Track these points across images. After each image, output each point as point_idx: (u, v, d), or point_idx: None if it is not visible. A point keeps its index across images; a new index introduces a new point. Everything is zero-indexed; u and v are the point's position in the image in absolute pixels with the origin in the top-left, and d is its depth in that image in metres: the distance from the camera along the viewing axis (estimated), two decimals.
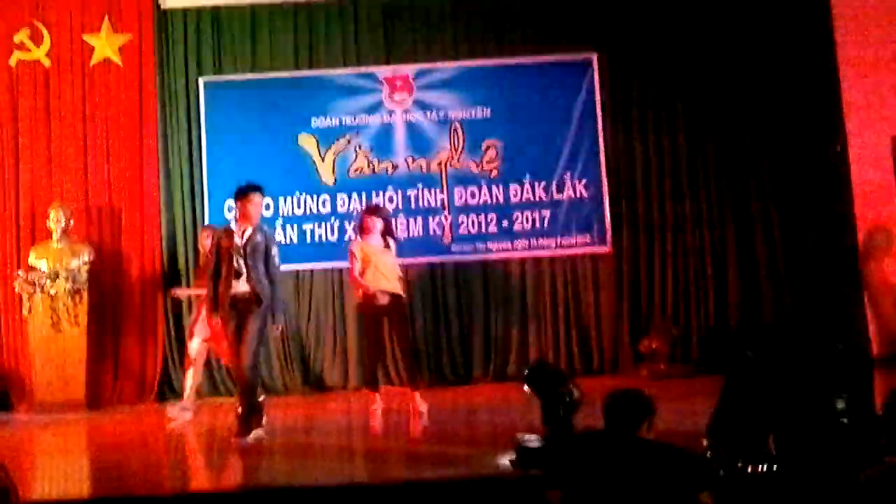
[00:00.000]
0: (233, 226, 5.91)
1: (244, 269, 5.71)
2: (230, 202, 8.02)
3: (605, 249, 8.21)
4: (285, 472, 5.16)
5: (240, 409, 5.68)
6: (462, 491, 4.35)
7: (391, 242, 6.70)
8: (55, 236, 7.76)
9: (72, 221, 7.73)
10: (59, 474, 5.47)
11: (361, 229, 6.71)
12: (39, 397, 7.58)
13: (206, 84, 8.32)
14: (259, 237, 5.79)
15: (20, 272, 7.78)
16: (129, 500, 4.39)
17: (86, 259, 7.74)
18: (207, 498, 4.40)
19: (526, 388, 4.78)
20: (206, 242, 6.65)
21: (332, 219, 8.22)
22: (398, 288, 6.57)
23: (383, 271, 6.50)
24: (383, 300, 6.47)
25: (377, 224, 6.61)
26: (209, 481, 5.10)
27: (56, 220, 7.72)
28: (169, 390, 8.01)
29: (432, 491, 4.40)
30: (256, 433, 5.63)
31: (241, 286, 5.70)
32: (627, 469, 3.04)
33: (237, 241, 5.75)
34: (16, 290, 7.75)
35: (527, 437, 4.66)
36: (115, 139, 8.21)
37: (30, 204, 8.11)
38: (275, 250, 5.89)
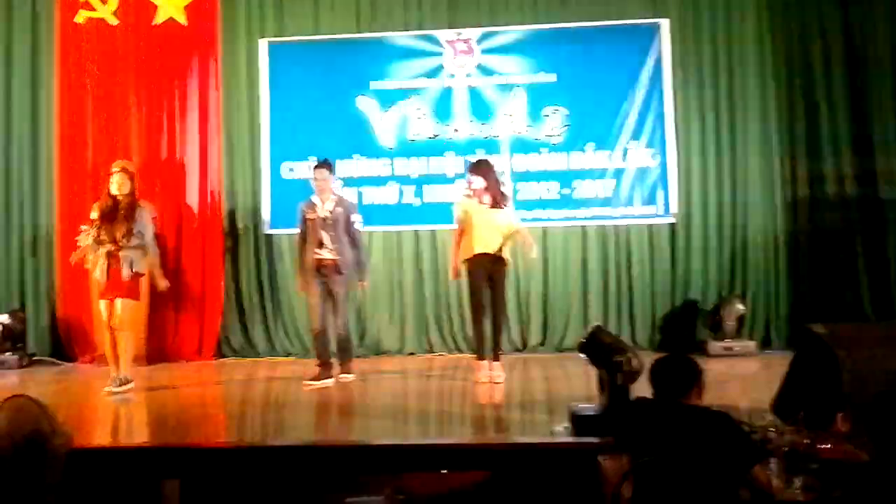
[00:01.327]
0: (313, 198, 6.49)
1: (327, 240, 6.35)
2: (289, 164, 8.12)
3: (669, 220, 8.00)
4: (341, 430, 5.16)
5: (336, 360, 6.55)
6: (517, 457, 4.29)
7: (503, 200, 6.36)
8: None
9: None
10: (115, 422, 5.55)
11: (470, 188, 6.39)
12: (100, 349, 7.72)
13: (268, 45, 8.31)
14: (339, 209, 6.42)
15: (84, 227, 7.89)
16: (185, 450, 4.42)
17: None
18: (261, 451, 4.41)
19: (582, 356, 4.68)
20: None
21: (391, 182, 8.16)
22: (498, 250, 6.23)
23: (483, 233, 6.21)
24: (481, 262, 6.22)
25: (478, 182, 6.30)
26: (262, 435, 5.12)
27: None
28: (227, 347, 8.11)
29: (486, 456, 4.35)
30: (348, 376, 6.54)
31: (325, 255, 6.36)
32: (681, 436, 2.94)
33: (319, 213, 6.38)
34: (79, 244, 7.87)
35: (581, 405, 4.59)
36: (178, 98, 8.26)
37: (95, 159, 8.22)
38: (355, 217, 6.61)
